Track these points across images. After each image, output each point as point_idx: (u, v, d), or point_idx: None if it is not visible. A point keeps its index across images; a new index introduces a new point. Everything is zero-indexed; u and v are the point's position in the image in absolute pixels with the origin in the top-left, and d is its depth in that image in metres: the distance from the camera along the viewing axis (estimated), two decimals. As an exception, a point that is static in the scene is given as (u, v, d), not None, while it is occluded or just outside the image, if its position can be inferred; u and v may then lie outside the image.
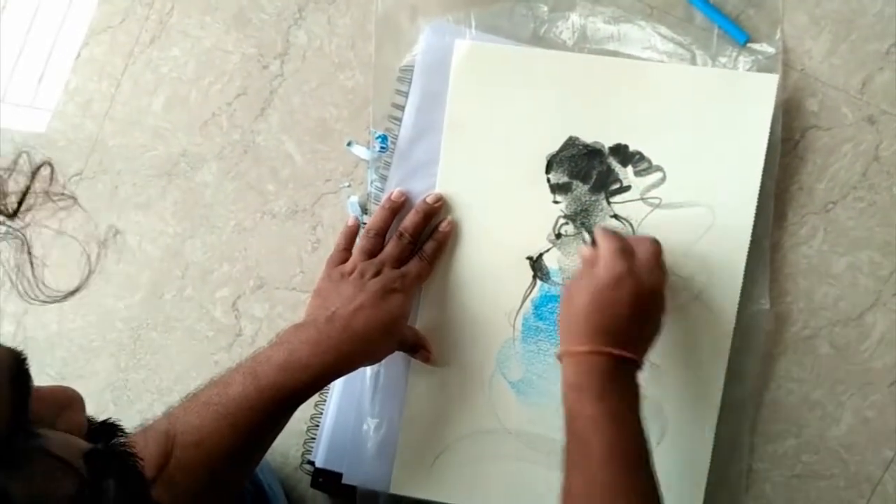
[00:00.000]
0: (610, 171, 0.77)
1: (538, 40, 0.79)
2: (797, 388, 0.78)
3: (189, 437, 0.62)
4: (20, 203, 0.45)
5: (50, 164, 0.47)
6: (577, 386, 0.64)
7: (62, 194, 0.51)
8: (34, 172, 0.47)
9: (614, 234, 0.68)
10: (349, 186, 0.83)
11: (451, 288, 0.78)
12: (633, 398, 0.64)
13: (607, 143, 0.77)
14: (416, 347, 0.77)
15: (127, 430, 0.47)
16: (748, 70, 0.76)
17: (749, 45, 0.77)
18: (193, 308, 0.86)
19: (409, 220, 0.77)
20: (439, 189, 0.78)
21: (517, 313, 0.78)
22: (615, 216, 0.77)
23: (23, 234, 0.44)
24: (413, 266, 0.75)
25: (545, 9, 0.79)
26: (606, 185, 0.77)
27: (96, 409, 0.81)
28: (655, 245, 0.68)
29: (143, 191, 0.87)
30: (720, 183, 0.75)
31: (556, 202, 0.77)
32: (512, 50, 0.78)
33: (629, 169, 0.77)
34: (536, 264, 0.78)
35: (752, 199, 0.75)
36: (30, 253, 0.44)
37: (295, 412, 0.68)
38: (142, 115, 0.87)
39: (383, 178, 0.80)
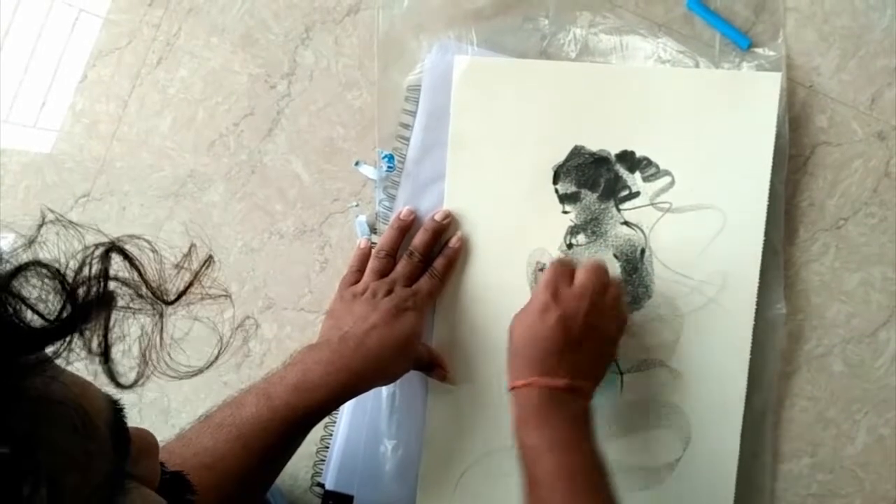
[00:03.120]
0: (618, 178, 0.77)
1: (541, 55, 0.79)
2: (811, 406, 0.77)
3: (201, 459, 0.61)
4: (181, 294, 0.47)
5: (212, 257, 0.47)
6: (520, 419, 0.64)
7: (222, 292, 0.55)
8: (200, 269, 0.48)
9: (554, 265, 0.68)
10: (357, 206, 0.83)
11: (464, 304, 0.78)
12: (580, 424, 0.64)
13: (613, 150, 0.77)
14: (432, 366, 0.76)
15: (195, 488, 0.46)
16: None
17: (752, 49, 0.76)
18: (201, 328, 0.86)
19: (419, 238, 0.77)
20: (447, 206, 0.78)
21: None
22: (625, 223, 0.76)
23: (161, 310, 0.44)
24: (424, 283, 0.75)
25: (546, 22, 0.79)
26: (615, 192, 0.77)
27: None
28: (590, 271, 0.67)
29: (150, 212, 0.86)
30: (729, 184, 0.75)
31: (565, 212, 0.77)
32: (511, 62, 0.78)
33: (637, 175, 0.76)
34: None
35: (762, 199, 0.74)
36: (162, 328, 0.43)
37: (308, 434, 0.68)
38: (149, 136, 0.86)
39: (391, 197, 0.80)
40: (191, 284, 0.45)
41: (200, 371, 0.45)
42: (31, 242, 0.38)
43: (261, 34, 0.85)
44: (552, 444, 0.61)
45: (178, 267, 0.42)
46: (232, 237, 0.85)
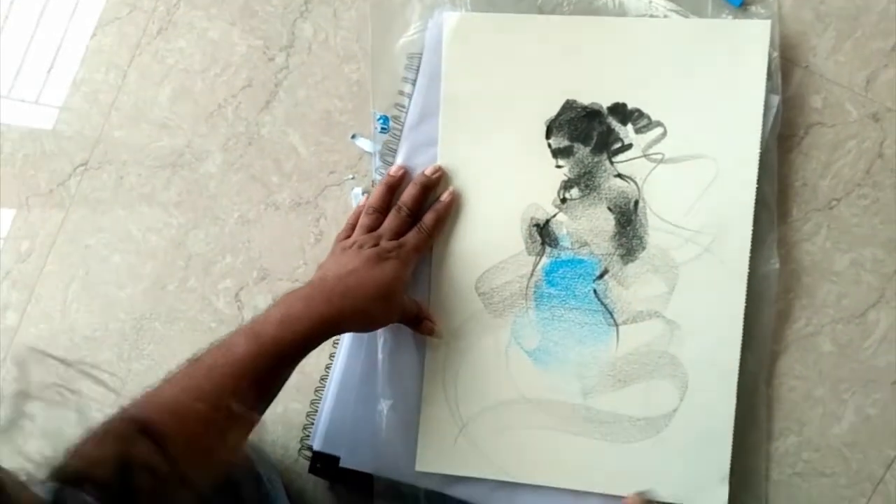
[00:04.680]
0: (610, 130, 0.77)
1: (535, 12, 0.79)
2: (799, 385, 0.78)
3: (196, 400, 0.61)
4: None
5: None
6: None
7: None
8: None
9: None
10: (353, 179, 0.83)
11: (459, 260, 0.79)
12: None
13: (605, 102, 0.77)
14: (420, 320, 0.77)
15: None
16: (744, 27, 0.76)
17: (744, 7, 0.76)
18: (196, 299, 0.86)
19: (407, 192, 0.77)
20: (440, 162, 0.79)
21: (528, 282, 0.78)
22: (619, 175, 0.77)
23: None
24: (411, 237, 0.75)
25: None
26: (608, 145, 0.77)
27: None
28: None
29: (147, 182, 0.87)
30: (721, 133, 0.75)
31: (558, 167, 0.78)
32: (501, 17, 0.78)
33: (629, 127, 0.77)
34: (544, 231, 0.78)
35: (754, 148, 0.75)
36: None
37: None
38: (147, 107, 0.87)
39: (388, 165, 0.81)
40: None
41: None
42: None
43: (260, 6, 0.85)
44: None
45: None
46: (228, 208, 0.86)
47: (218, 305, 0.86)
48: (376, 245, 0.73)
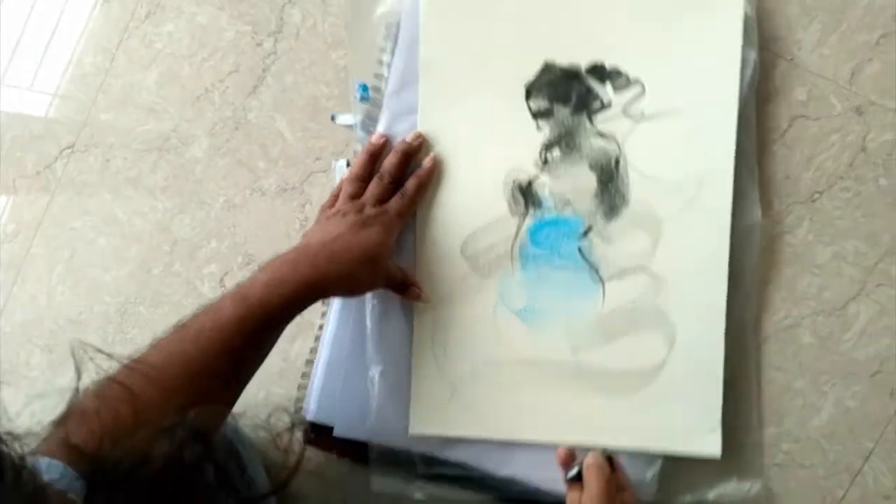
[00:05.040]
0: (589, 90, 0.77)
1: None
2: (779, 376, 0.78)
3: (184, 367, 0.61)
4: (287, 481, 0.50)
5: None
6: None
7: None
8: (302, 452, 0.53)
9: (602, 477, 0.70)
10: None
11: (444, 225, 0.79)
12: None
13: (583, 63, 0.77)
14: (406, 286, 0.77)
15: None
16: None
17: None
18: (181, 284, 0.87)
19: (389, 159, 0.77)
20: (421, 129, 0.79)
21: (513, 243, 0.78)
22: (599, 134, 0.77)
23: None
24: (394, 203, 0.75)
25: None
26: (587, 104, 0.77)
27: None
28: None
29: (133, 165, 0.87)
30: (699, 88, 0.76)
31: (539, 128, 0.78)
32: None
33: (608, 86, 0.77)
34: (527, 192, 0.78)
35: (732, 102, 0.75)
36: None
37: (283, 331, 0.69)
38: (135, 90, 0.87)
39: (370, 135, 0.80)
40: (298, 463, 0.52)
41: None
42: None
43: (249, -9, 0.85)
44: None
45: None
46: (214, 192, 0.86)
47: (202, 290, 0.86)
48: (360, 212, 0.74)
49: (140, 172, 0.87)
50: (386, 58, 0.80)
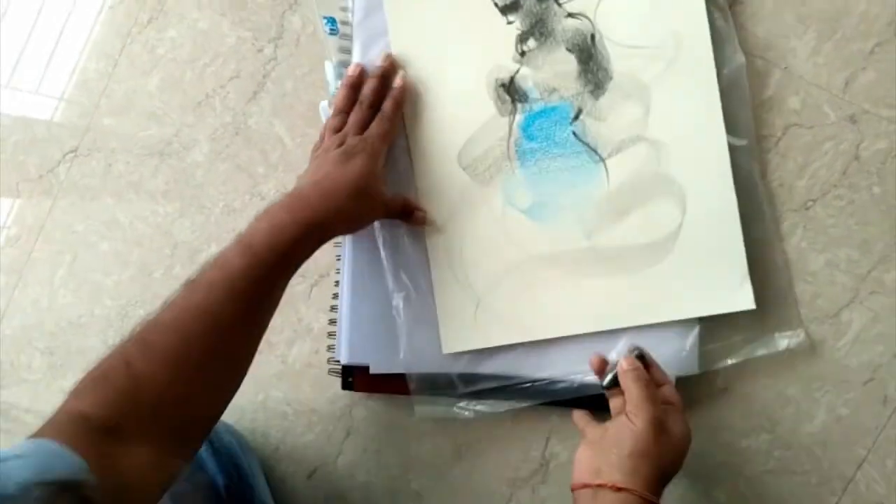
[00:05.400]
0: None
1: None
2: (772, 383, 0.79)
3: (199, 319, 0.62)
4: None
5: None
6: None
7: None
8: None
9: (636, 376, 0.68)
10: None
11: (436, 141, 0.80)
12: None
13: None
14: (408, 211, 0.78)
15: None
16: None
17: None
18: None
19: (366, 85, 0.78)
20: (393, 48, 0.79)
21: (508, 142, 0.79)
22: (569, 15, 0.78)
23: None
24: (374, 128, 0.75)
25: None
26: None
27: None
28: (676, 395, 0.70)
29: (135, 169, 0.88)
30: None
31: (510, 22, 0.79)
32: None
33: None
34: (511, 88, 0.79)
35: None
36: None
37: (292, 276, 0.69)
38: (137, 95, 0.88)
39: (344, 67, 0.80)
40: None
41: None
42: None
43: (250, -2, 0.86)
44: None
45: None
46: (214, 197, 0.87)
47: None
48: (343, 144, 0.74)
49: (142, 177, 0.88)
50: None
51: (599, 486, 0.63)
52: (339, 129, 0.76)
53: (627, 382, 0.68)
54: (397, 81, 0.78)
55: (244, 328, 0.65)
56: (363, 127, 0.76)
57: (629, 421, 0.65)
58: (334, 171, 0.71)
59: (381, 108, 0.77)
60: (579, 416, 0.73)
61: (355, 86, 0.78)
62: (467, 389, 0.80)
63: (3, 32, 0.90)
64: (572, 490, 0.65)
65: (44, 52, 0.90)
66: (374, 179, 0.73)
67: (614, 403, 0.71)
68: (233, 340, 0.64)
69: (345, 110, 0.77)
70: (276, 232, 0.66)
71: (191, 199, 0.87)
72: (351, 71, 0.78)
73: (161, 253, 0.88)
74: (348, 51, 0.81)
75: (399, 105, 0.78)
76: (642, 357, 0.71)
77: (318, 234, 0.69)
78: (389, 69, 0.78)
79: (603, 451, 0.65)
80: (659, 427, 0.64)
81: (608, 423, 0.68)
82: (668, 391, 0.70)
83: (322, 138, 0.78)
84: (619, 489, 0.62)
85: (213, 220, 0.87)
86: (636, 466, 0.63)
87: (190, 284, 0.63)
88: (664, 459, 0.64)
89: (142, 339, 0.59)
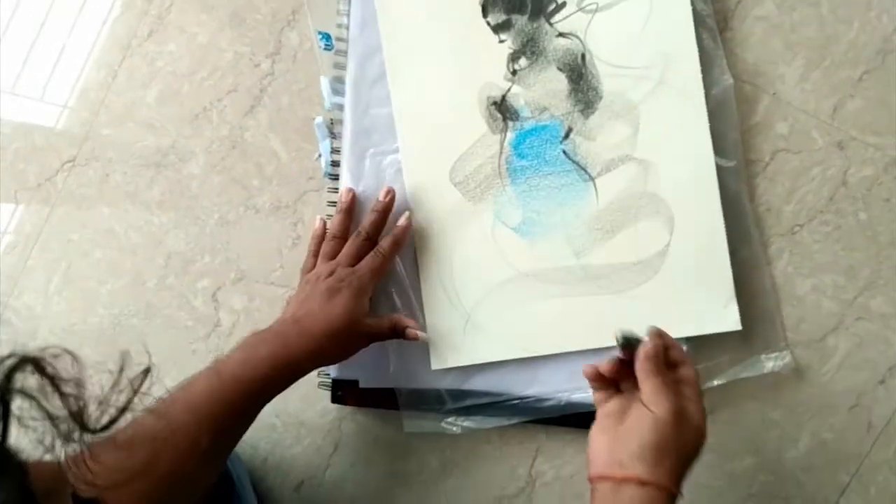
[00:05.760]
0: None
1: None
2: (757, 406, 0.79)
3: (154, 434, 0.63)
4: (114, 420, 0.47)
5: (149, 368, 0.49)
6: None
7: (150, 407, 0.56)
8: (136, 389, 0.49)
9: (655, 368, 0.64)
10: (319, 157, 0.85)
11: (428, 157, 0.81)
12: None
13: None
14: (399, 330, 0.78)
15: None
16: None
17: None
18: (174, 297, 0.88)
19: (367, 218, 0.79)
20: (387, 63, 0.81)
21: (499, 160, 0.80)
22: (560, 35, 0.79)
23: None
24: (366, 262, 0.76)
25: None
26: (543, 8, 0.79)
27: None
28: (695, 376, 0.66)
29: (132, 180, 0.89)
30: None
31: (502, 41, 0.80)
32: None
33: None
34: (502, 106, 0.80)
35: None
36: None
37: (261, 410, 0.70)
38: (135, 107, 0.89)
39: (339, 83, 0.82)
40: (126, 407, 0.46)
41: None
42: None
43: (249, 14, 0.87)
44: None
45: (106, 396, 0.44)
46: (209, 209, 0.88)
47: (195, 304, 0.88)
48: (331, 276, 0.75)
49: (138, 187, 0.89)
50: (343, 5, 0.82)
51: (624, 479, 0.60)
52: (331, 256, 0.78)
53: (645, 375, 0.63)
54: (402, 221, 0.79)
55: (205, 447, 0.65)
56: (357, 258, 0.77)
57: (647, 409, 0.61)
58: (317, 308, 0.72)
59: (378, 244, 0.78)
60: (590, 371, 0.67)
61: (350, 210, 0.80)
62: (455, 405, 0.81)
63: (7, 39, 0.92)
64: (590, 481, 0.62)
65: (47, 62, 0.91)
66: (355, 317, 0.73)
67: (598, 397, 0.67)
68: (193, 458, 0.64)
69: (339, 236, 0.79)
70: (249, 365, 0.68)
71: (186, 210, 0.88)
72: (345, 197, 0.80)
73: (155, 263, 0.88)
74: (343, 66, 0.82)
75: (398, 245, 0.79)
76: (660, 336, 0.66)
77: (292, 372, 0.71)
78: (390, 204, 0.80)
79: (622, 439, 0.62)
80: (680, 415, 0.61)
81: (626, 406, 0.64)
82: (686, 372, 0.65)
83: (310, 256, 0.80)
84: (643, 483, 0.59)
85: (207, 231, 0.88)
86: (659, 458, 0.60)
87: (161, 400, 0.64)
88: (687, 448, 0.62)
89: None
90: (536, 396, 0.80)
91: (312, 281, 0.75)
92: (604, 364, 0.66)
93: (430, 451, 0.84)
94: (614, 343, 0.72)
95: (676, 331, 0.75)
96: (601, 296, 0.78)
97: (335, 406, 0.84)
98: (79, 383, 0.44)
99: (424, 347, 0.81)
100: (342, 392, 0.83)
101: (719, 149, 0.77)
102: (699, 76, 0.77)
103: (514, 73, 0.80)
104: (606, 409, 0.65)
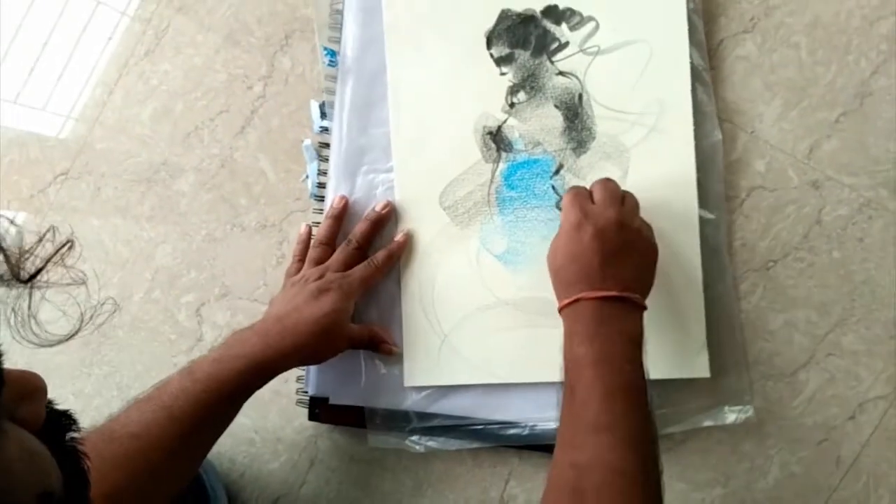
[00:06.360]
0: (546, 32, 0.81)
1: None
2: (727, 437, 0.80)
3: (129, 430, 0.64)
4: (37, 272, 0.46)
5: (72, 242, 0.48)
6: (569, 334, 0.67)
7: (78, 272, 0.55)
8: (58, 249, 0.48)
9: (572, 188, 0.72)
10: (306, 178, 0.87)
11: (421, 179, 0.82)
12: (628, 341, 0.65)
13: (538, 7, 0.82)
14: (376, 342, 0.79)
15: (80, 426, 0.48)
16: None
17: None
18: (159, 310, 0.90)
19: (358, 227, 0.80)
20: (390, 84, 0.83)
21: (489, 188, 0.81)
22: (560, 73, 0.81)
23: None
24: (358, 270, 0.77)
25: None
26: (546, 46, 0.81)
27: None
28: (603, 185, 0.71)
29: (123, 194, 0.91)
30: (649, 17, 0.80)
31: (503, 74, 0.82)
32: None
33: (564, 26, 0.81)
34: (498, 137, 0.81)
35: (681, 24, 0.79)
36: (30, 297, 0.43)
37: (237, 412, 0.71)
38: (129, 123, 0.91)
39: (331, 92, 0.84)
40: (47, 263, 0.45)
41: (60, 342, 0.46)
42: None
43: (243, 37, 0.89)
44: (597, 359, 0.63)
45: (34, 246, 0.44)
46: (197, 225, 0.89)
47: (179, 318, 0.89)
48: (320, 278, 0.76)
49: (128, 202, 0.90)
50: (338, 19, 0.84)
51: (576, 301, 0.65)
52: (319, 261, 0.79)
53: (565, 204, 0.71)
54: (400, 237, 0.81)
55: (179, 445, 0.66)
56: (347, 266, 0.78)
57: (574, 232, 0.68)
58: (302, 306, 0.73)
59: (373, 255, 0.79)
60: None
61: (339, 218, 0.81)
62: (421, 424, 0.82)
63: (12, 53, 0.93)
64: (560, 312, 0.68)
65: (48, 77, 0.93)
66: (340, 318, 0.75)
67: None
68: (167, 456, 0.65)
69: (325, 242, 0.80)
70: (223, 363, 0.68)
71: (174, 226, 0.89)
72: (336, 203, 0.82)
73: (141, 276, 0.90)
74: (332, 91, 0.84)
75: (392, 259, 0.80)
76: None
77: (269, 370, 0.71)
78: (386, 217, 0.81)
79: (567, 265, 0.68)
80: (580, 225, 0.67)
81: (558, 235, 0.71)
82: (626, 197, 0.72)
83: (295, 261, 0.81)
84: (593, 299, 0.64)
85: (194, 247, 0.89)
86: (577, 266, 0.67)
87: (132, 401, 0.66)
88: (633, 254, 0.68)
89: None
90: (502, 422, 0.81)
91: (300, 283, 0.76)
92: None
93: (404, 470, 0.85)
94: None
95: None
96: None
97: (312, 423, 0.85)
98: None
99: (396, 366, 0.82)
100: (319, 409, 0.84)
101: (702, 201, 0.78)
102: (691, 127, 0.79)
103: (511, 105, 0.81)
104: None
